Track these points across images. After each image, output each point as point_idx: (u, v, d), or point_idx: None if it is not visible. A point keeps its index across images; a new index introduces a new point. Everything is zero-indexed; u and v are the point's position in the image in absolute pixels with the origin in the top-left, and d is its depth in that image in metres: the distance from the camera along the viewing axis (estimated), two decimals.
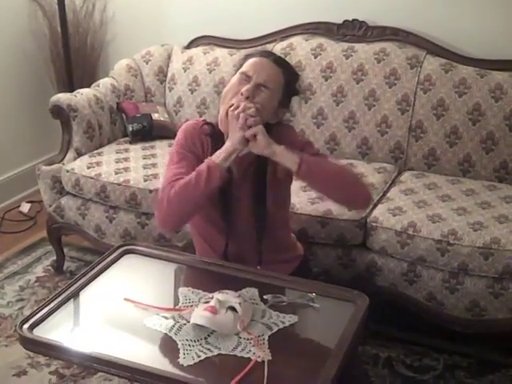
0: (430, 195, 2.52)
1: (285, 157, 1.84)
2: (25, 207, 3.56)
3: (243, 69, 1.93)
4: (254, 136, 1.83)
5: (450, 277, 2.29)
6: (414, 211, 2.39)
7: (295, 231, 2.32)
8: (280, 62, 1.97)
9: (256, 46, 3.15)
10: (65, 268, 3.00)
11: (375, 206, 2.47)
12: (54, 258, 3.02)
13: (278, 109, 1.95)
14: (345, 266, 2.43)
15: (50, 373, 2.31)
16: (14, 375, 2.31)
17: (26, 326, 1.66)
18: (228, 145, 1.85)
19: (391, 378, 2.33)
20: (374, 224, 2.37)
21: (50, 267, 3.01)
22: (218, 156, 1.85)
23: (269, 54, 2.00)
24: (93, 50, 3.65)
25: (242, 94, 1.86)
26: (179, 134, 2.02)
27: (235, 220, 1.98)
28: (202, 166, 1.85)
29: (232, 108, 1.85)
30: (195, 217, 1.98)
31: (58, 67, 3.61)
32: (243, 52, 3.16)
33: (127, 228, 2.71)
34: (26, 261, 3.08)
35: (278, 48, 3.07)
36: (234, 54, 3.16)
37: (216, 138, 1.95)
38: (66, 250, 3.07)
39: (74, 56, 3.53)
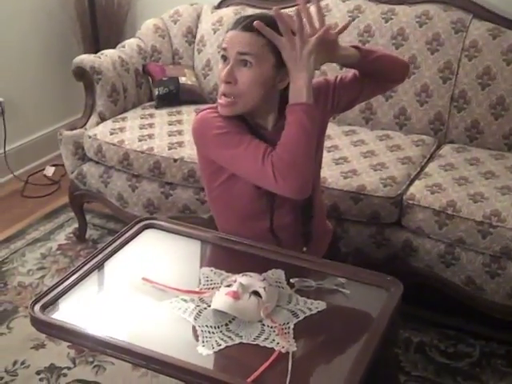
0: (471, 171, 2.36)
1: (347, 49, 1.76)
2: (49, 171, 3.49)
3: (221, 46, 1.74)
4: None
5: (491, 261, 2.14)
6: (453, 189, 2.23)
7: (326, 207, 2.19)
8: (248, 26, 1.68)
9: (289, 7, 2.98)
10: (87, 236, 2.93)
11: (412, 181, 2.32)
12: (77, 225, 2.94)
13: (278, 73, 1.71)
14: (378, 245, 2.30)
15: (69, 346, 2.25)
16: (31, 348, 2.26)
17: (37, 306, 1.57)
18: (305, 79, 1.63)
19: (423, 363, 2.21)
20: (411, 202, 2.22)
21: (72, 235, 2.94)
22: (301, 95, 1.63)
23: (237, 24, 1.72)
24: (120, 8, 3.51)
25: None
26: (202, 125, 1.78)
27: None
28: (297, 114, 1.64)
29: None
30: (234, 200, 1.84)
31: (84, 26, 3.49)
32: None
33: (150, 198, 2.60)
34: (48, 227, 3.01)
35: (313, 10, 2.88)
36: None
37: (238, 116, 1.77)
38: (88, 216, 3.00)
39: (100, 15, 3.41)
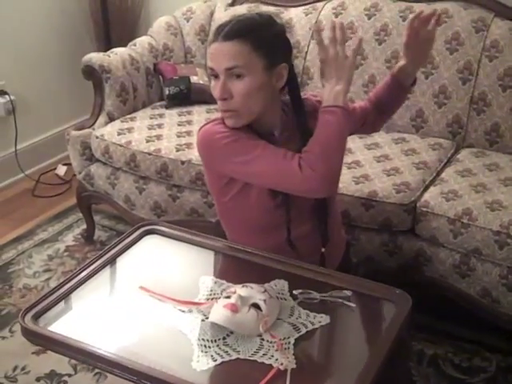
0: (490, 178, 2.25)
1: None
2: (61, 170, 3.45)
3: (208, 65, 1.69)
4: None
5: (508, 272, 2.04)
6: (470, 196, 2.13)
7: None
8: (229, 34, 1.62)
9: (305, 5, 2.91)
10: (95, 237, 2.88)
11: (427, 188, 2.23)
12: (86, 226, 2.89)
13: (272, 73, 1.65)
14: (390, 254, 2.21)
15: None
16: (33, 353, 2.20)
17: (29, 316, 1.52)
18: (343, 86, 1.61)
19: (436, 378, 2.12)
20: (425, 209, 2.13)
21: (80, 236, 2.89)
22: (338, 99, 1.60)
23: (217, 35, 1.65)
24: (134, 5, 3.45)
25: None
26: (209, 138, 1.71)
27: (293, 198, 1.74)
28: (334, 115, 1.60)
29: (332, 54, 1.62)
30: (248, 212, 1.78)
31: (98, 24, 3.44)
32: (292, 11, 2.93)
33: (157, 200, 2.54)
34: (57, 228, 2.97)
35: (328, 7, 2.82)
36: (282, 13, 2.91)
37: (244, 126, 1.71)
38: (97, 218, 2.96)
39: (113, 12, 3.37)
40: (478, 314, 2.16)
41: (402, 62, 1.82)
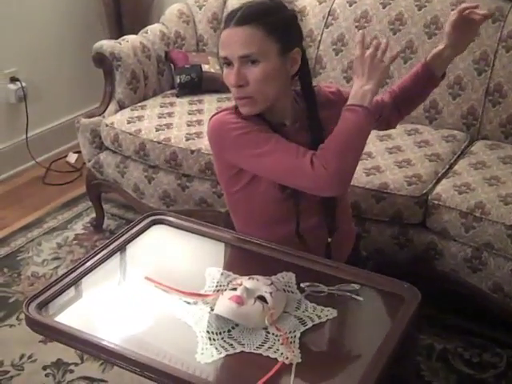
0: (504, 170, 2.21)
1: None
2: (72, 157, 3.44)
3: (219, 53, 1.64)
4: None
5: None
6: (483, 189, 2.10)
7: None
8: (240, 20, 1.59)
9: None
10: (105, 226, 2.87)
11: (439, 180, 2.19)
12: (95, 215, 2.88)
13: (286, 58, 1.62)
14: (401, 247, 2.18)
15: None
16: (40, 341, 2.19)
17: (33, 305, 1.50)
18: (372, 87, 1.60)
19: (445, 373, 2.09)
20: (436, 202, 2.10)
21: (89, 224, 2.88)
22: (364, 99, 1.58)
23: (229, 20, 1.62)
24: None
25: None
26: (220, 129, 1.68)
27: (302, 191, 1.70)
28: (357, 114, 1.58)
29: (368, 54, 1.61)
30: (256, 204, 1.76)
31: (110, 11, 3.41)
32: (305, 0, 2.89)
33: (167, 190, 2.52)
34: (66, 216, 2.96)
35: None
36: (296, 1, 2.87)
37: (255, 115, 1.67)
38: (107, 206, 2.94)
39: None
40: (490, 308, 2.13)
41: (439, 47, 1.75)
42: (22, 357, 2.15)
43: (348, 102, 1.61)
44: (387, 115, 1.87)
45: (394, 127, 1.99)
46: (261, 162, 1.63)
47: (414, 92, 1.84)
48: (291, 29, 1.65)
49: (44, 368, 2.11)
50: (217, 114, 1.72)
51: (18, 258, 2.66)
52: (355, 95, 1.60)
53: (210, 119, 1.72)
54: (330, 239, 1.78)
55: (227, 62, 1.61)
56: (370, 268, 1.88)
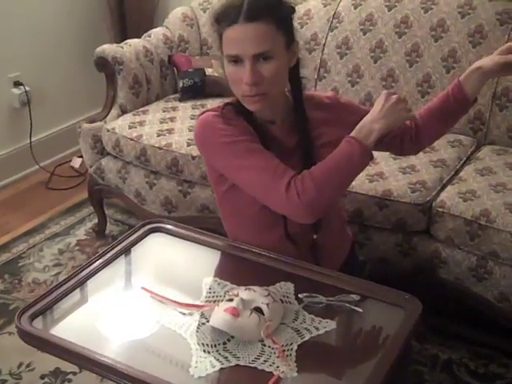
0: (511, 177, 2.17)
1: None
2: (76, 162, 3.41)
3: (226, 51, 1.56)
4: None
5: None
6: (489, 196, 2.05)
7: (349, 212, 2.04)
8: (251, 15, 1.52)
9: None
10: (107, 232, 2.85)
11: (444, 187, 2.14)
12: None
13: (289, 51, 1.59)
14: (404, 255, 2.14)
15: None
16: (38, 350, 2.17)
17: (25, 317, 1.48)
18: (382, 127, 1.54)
19: None
20: (440, 209, 2.05)
21: (91, 230, 2.86)
22: (368, 137, 1.53)
23: (234, 17, 1.54)
24: None
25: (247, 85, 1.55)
26: (206, 131, 1.64)
27: None
28: (352, 149, 1.53)
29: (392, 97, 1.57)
30: (242, 207, 1.72)
31: (114, 15, 3.40)
32: (310, 2, 2.86)
33: (168, 196, 2.50)
34: (69, 221, 2.95)
35: None
36: (300, 4, 2.84)
37: (246, 114, 1.63)
38: (110, 212, 2.93)
39: (130, 3, 3.30)
40: (496, 318, 2.08)
41: (484, 62, 1.65)
42: (20, 365, 2.13)
43: (351, 133, 1.56)
44: (407, 143, 1.78)
45: (406, 156, 1.98)
46: (238, 174, 1.60)
47: (444, 116, 1.72)
48: (292, 21, 1.62)
49: (42, 377, 2.09)
50: (204, 113, 1.67)
51: (19, 264, 2.65)
52: (361, 129, 1.55)
53: (198, 117, 1.68)
54: (315, 236, 1.72)
55: (235, 60, 1.55)
56: (368, 273, 1.85)
